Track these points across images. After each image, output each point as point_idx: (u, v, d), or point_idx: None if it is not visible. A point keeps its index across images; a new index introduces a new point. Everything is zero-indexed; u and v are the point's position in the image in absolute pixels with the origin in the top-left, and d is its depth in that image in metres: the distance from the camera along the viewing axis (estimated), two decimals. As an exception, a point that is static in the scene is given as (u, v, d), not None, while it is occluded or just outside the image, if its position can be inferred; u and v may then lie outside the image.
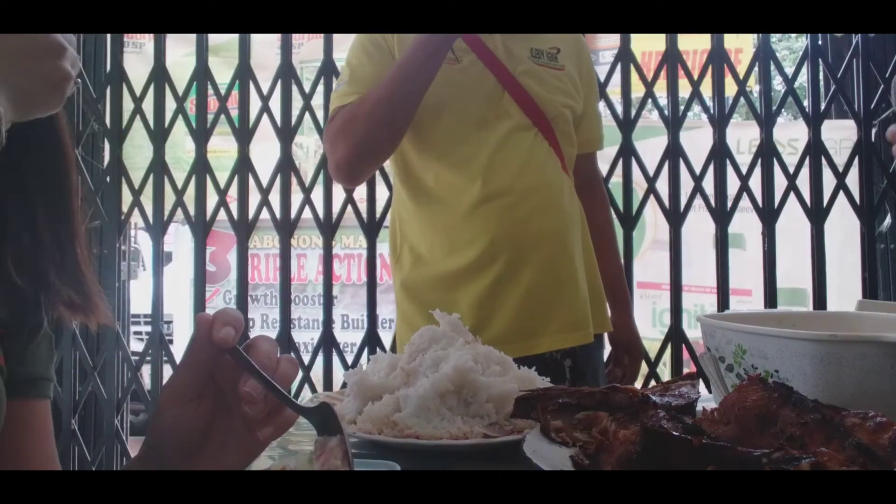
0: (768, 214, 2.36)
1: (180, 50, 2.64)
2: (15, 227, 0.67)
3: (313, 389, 2.37)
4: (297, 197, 2.37)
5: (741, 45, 3.45)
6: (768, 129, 2.38)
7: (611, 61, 2.43)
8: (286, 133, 2.36)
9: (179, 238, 4.27)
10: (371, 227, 2.35)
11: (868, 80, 2.40)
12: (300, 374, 2.37)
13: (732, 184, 2.36)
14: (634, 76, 2.38)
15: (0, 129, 0.56)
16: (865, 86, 2.40)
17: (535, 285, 1.38)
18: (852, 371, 0.75)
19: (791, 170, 2.35)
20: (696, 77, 2.40)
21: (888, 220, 2.40)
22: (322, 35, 2.46)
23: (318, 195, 2.36)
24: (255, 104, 2.37)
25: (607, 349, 1.65)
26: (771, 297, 2.35)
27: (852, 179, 2.38)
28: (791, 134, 3.02)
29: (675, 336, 2.36)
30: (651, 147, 2.50)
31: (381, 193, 2.22)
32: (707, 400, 0.91)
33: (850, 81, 2.45)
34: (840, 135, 2.82)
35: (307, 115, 2.36)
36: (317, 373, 2.39)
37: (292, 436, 0.94)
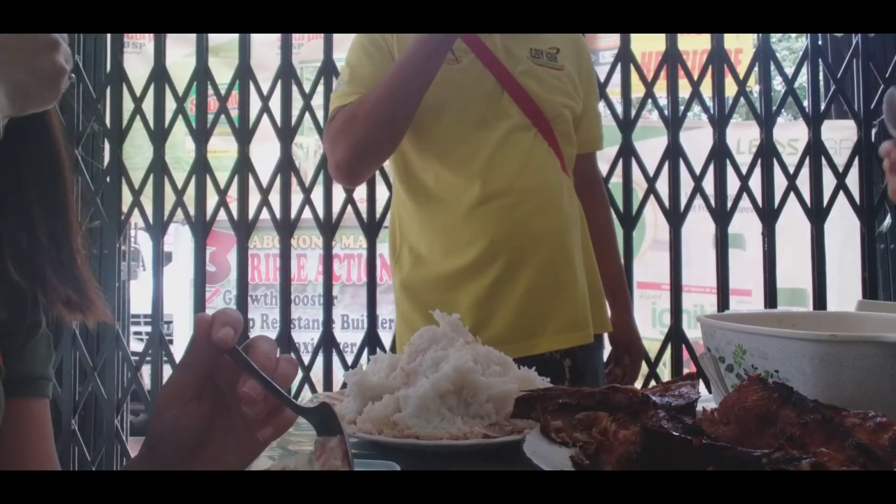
0: (768, 214, 2.36)
1: (180, 50, 2.64)
2: (11, 226, 0.67)
3: (313, 390, 2.37)
4: (297, 197, 2.37)
5: (741, 46, 3.45)
6: (768, 130, 2.38)
7: (611, 61, 2.43)
8: (286, 133, 2.37)
9: (179, 238, 4.27)
10: (371, 228, 2.35)
11: (868, 80, 2.40)
12: (300, 375, 2.37)
13: (732, 184, 2.36)
14: (634, 76, 2.38)
15: None
16: (865, 86, 2.40)
17: (534, 285, 1.38)
18: (852, 371, 0.75)
19: (791, 170, 2.35)
20: (696, 77, 2.40)
21: (888, 220, 2.40)
22: (322, 35, 2.46)
23: (318, 195, 2.36)
24: (255, 104, 2.37)
25: (607, 349, 1.65)
26: (771, 297, 2.36)
27: (852, 179, 2.38)
28: (791, 134, 3.02)
29: (675, 336, 2.36)
30: (651, 147, 2.50)
31: (381, 193, 2.22)
32: (707, 400, 0.91)
33: (850, 81, 2.45)
34: (840, 135, 2.82)
35: (307, 115, 2.36)
36: (317, 373, 2.39)
37: (292, 436, 0.94)
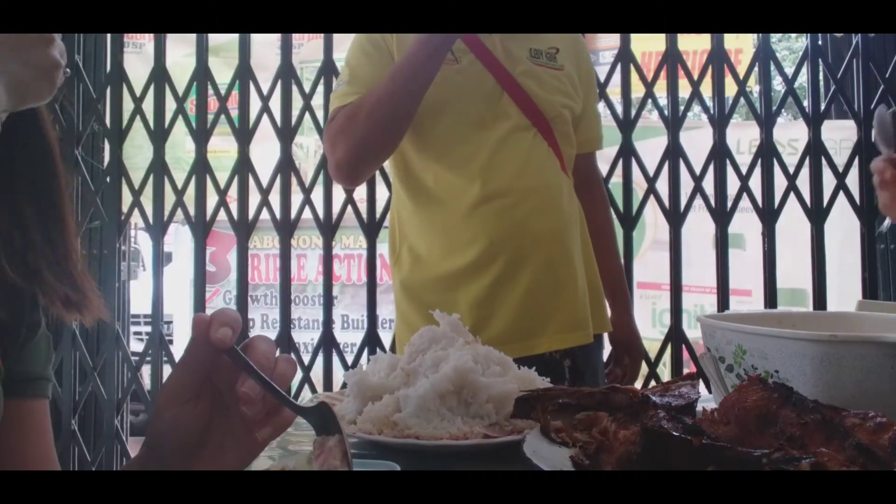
0: (768, 215, 2.36)
1: (180, 50, 2.64)
2: (4, 225, 0.67)
3: (313, 390, 2.37)
4: (297, 197, 2.37)
5: (741, 46, 3.45)
6: (768, 130, 2.38)
7: (611, 61, 2.43)
8: (286, 133, 2.37)
9: (179, 238, 4.27)
10: (371, 228, 2.35)
11: (868, 81, 2.40)
12: (300, 375, 2.37)
13: (732, 184, 2.36)
14: (634, 76, 2.38)
15: None
16: (865, 86, 2.40)
17: (534, 285, 1.38)
18: (852, 371, 0.75)
19: (791, 170, 2.35)
20: (696, 77, 2.40)
21: (888, 221, 2.40)
22: (322, 35, 2.46)
23: (318, 195, 2.36)
24: (255, 104, 2.37)
25: (607, 349, 1.65)
26: (771, 297, 2.35)
27: (852, 180, 2.38)
28: (791, 134, 3.02)
29: (675, 336, 2.36)
30: (651, 147, 2.50)
31: (381, 194, 2.22)
32: (707, 400, 0.91)
33: (850, 82, 2.45)
34: (840, 135, 2.82)
35: (307, 115, 2.36)
36: (317, 373, 2.39)
37: (292, 436, 0.94)
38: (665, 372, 2.41)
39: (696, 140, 2.50)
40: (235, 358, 0.59)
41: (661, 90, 2.46)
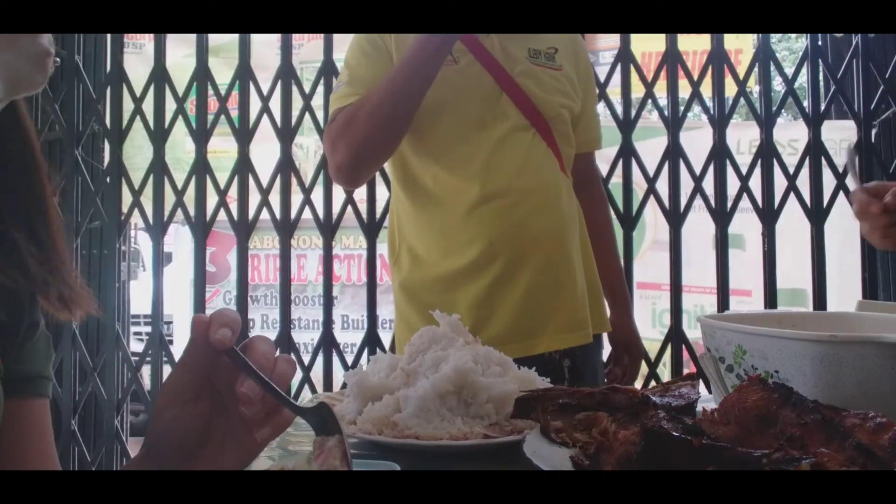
0: (768, 215, 2.36)
1: (180, 51, 2.64)
2: None
3: (313, 390, 2.37)
4: (297, 197, 2.37)
5: (741, 46, 3.45)
6: (768, 130, 2.38)
7: (611, 62, 2.44)
8: (286, 133, 2.37)
9: (179, 238, 4.27)
10: (371, 228, 2.35)
11: (868, 81, 2.40)
12: (300, 375, 2.38)
13: (732, 184, 2.36)
14: (634, 77, 2.38)
15: None
16: (865, 86, 2.40)
17: (533, 286, 1.38)
18: (852, 371, 0.75)
19: (791, 170, 2.35)
20: (696, 77, 2.40)
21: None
22: (322, 35, 2.46)
23: (318, 196, 2.37)
24: (255, 105, 2.37)
25: (606, 349, 1.65)
26: (771, 297, 2.35)
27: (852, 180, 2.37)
28: (791, 134, 3.02)
29: (675, 336, 2.36)
30: (651, 147, 2.50)
31: (381, 194, 2.22)
32: (707, 400, 0.91)
33: (850, 82, 2.45)
34: (840, 135, 2.83)
35: (307, 115, 2.36)
36: (317, 373, 2.39)
37: (291, 436, 0.94)
38: (665, 372, 2.41)
39: (696, 140, 2.50)
40: (235, 358, 0.59)
41: (661, 90, 2.46)
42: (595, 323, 1.48)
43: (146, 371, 2.43)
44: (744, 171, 2.35)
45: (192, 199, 2.39)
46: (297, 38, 2.85)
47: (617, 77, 2.39)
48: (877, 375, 0.74)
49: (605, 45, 3.60)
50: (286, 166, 2.36)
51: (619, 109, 2.37)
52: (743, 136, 3.11)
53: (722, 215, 2.35)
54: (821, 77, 2.43)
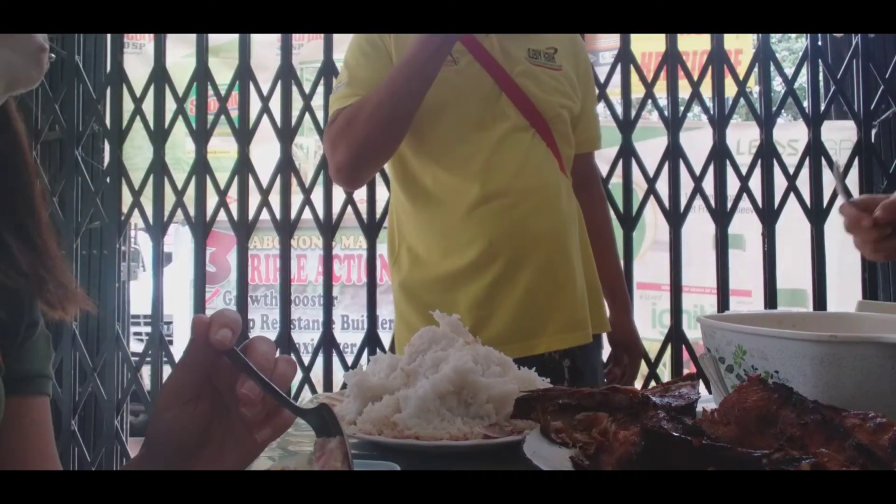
0: (768, 215, 2.36)
1: (180, 51, 2.64)
2: None
3: (313, 390, 2.37)
4: (297, 198, 2.37)
5: (741, 46, 3.45)
6: (768, 130, 2.38)
7: (611, 62, 2.44)
8: (286, 134, 2.37)
9: (179, 239, 4.27)
10: (371, 228, 2.35)
11: (868, 81, 2.40)
12: (300, 375, 2.38)
13: (732, 184, 2.36)
14: (634, 77, 2.38)
15: None
16: (865, 86, 2.40)
17: (533, 286, 1.38)
18: (852, 372, 0.75)
19: (791, 170, 2.35)
20: (695, 78, 2.40)
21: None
22: (322, 36, 2.46)
23: (318, 196, 2.37)
24: (255, 105, 2.37)
25: (606, 349, 1.65)
26: (771, 297, 2.36)
27: (852, 180, 2.38)
28: (791, 135, 3.02)
29: (675, 337, 2.36)
30: (651, 148, 2.50)
31: (381, 194, 2.22)
32: (707, 401, 0.91)
33: (850, 82, 2.45)
34: (840, 135, 2.82)
35: (307, 115, 2.36)
36: (317, 374, 2.39)
37: (292, 436, 0.94)
38: (665, 372, 2.41)
39: (696, 140, 2.50)
40: (235, 359, 0.59)
41: (661, 91, 2.46)
42: (595, 323, 1.48)
43: (146, 371, 2.43)
44: (744, 171, 2.35)
45: (192, 199, 2.39)
46: (297, 38, 2.85)
47: (617, 77, 2.39)
48: (877, 375, 0.74)
49: (605, 45, 3.60)
50: (286, 166, 2.36)
51: (619, 109, 2.37)
52: (743, 137, 3.12)
53: (722, 215, 2.35)
54: (821, 77, 2.43)
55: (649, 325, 3.42)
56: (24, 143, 0.70)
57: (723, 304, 2.35)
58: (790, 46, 9.39)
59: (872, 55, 2.40)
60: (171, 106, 2.39)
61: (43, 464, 0.74)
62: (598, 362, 1.59)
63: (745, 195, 2.35)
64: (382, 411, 0.92)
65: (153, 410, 0.62)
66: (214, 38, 2.47)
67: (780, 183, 2.35)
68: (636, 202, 2.36)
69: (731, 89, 2.42)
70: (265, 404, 0.59)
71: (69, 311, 0.71)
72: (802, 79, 2.45)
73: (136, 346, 2.84)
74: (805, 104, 2.41)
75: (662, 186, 2.35)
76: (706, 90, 2.44)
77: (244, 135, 2.36)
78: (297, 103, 2.38)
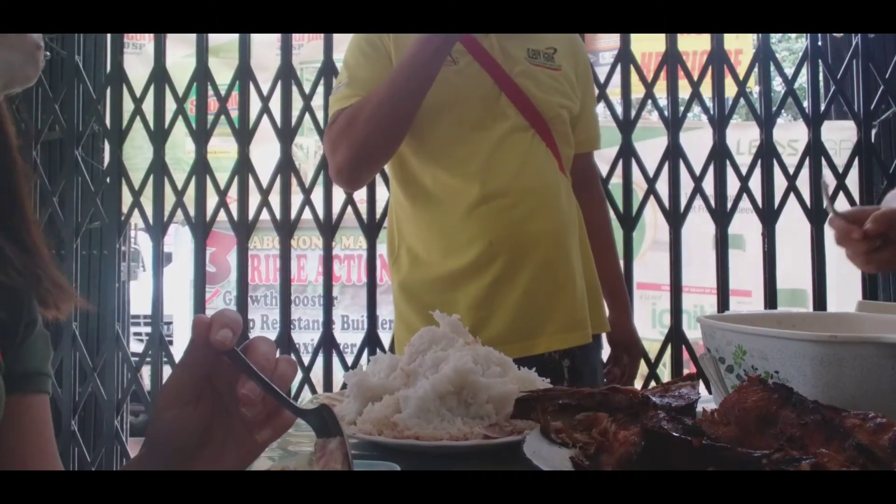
0: (768, 215, 2.36)
1: (180, 51, 2.64)
2: None
3: (313, 390, 2.37)
4: (297, 198, 2.37)
5: (741, 46, 3.46)
6: (768, 130, 2.38)
7: (611, 62, 2.44)
8: (286, 134, 2.37)
9: (179, 239, 4.27)
10: (371, 228, 2.35)
11: (868, 81, 2.40)
12: (300, 375, 2.37)
13: (732, 184, 2.36)
14: (634, 77, 2.38)
15: None
16: (865, 87, 2.40)
17: (533, 286, 1.38)
18: (852, 372, 0.75)
19: (791, 170, 2.35)
20: (695, 78, 2.40)
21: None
22: (322, 36, 2.46)
23: (318, 196, 2.37)
24: (255, 105, 2.37)
25: (606, 349, 1.65)
26: (771, 297, 2.36)
27: (852, 180, 2.38)
28: (791, 135, 3.02)
29: (675, 337, 2.36)
30: (651, 148, 2.50)
31: (381, 194, 2.22)
32: (707, 401, 0.91)
33: (850, 82, 2.45)
34: (840, 136, 2.83)
35: (307, 115, 2.36)
36: (317, 374, 2.39)
37: (292, 437, 0.94)
38: (665, 372, 2.41)
39: (696, 140, 2.51)
40: (236, 359, 0.59)
41: (660, 91, 2.46)
42: (594, 323, 1.48)
43: (146, 371, 2.43)
44: (744, 171, 2.36)
45: (192, 199, 2.39)
46: (297, 38, 2.85)
47: (617, 77, 2.40)
48: (877, 375, 0.74)
49: (605, 45, 3.60)
50: (286, 166, 2.36)
51: (619, 110, 2.37)
52: (743, 137, 3.12)
53: (722, 215, 2.35)
54: (821, 77, 2.43)
55: (649, 325, 3.42)
56: (13, 144, 0.70)
57: (723, 304, 2.35)
58: (790, 46, 9.39)
59: (872, 55, 2.41)
60: (171, 106, 2.39)
61: (43, 462, 0.74)
62: (598, 362, 1.59)
63: (745, 195, 2.35)
64: (382, 411, 0.92)
65: (153, 411, 0.62)
66: (214, 38, 2.47)
67: (780, 183, 2.35)
68: (636, 202, 2.36)
69: (731, 89, 2.42)
70: (265, 405, 0.59)
71: (63, 310, 0.71)
72: (802, 79, 2.45)
73: (136, 347, 2.84)
74: (805, 104, 2.41)
75: (662, 186, 2.35)
76: (706, 90, 2.44)
77: (244, 135, 2.36)
78: (297, 103, 2.38)
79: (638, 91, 2.48)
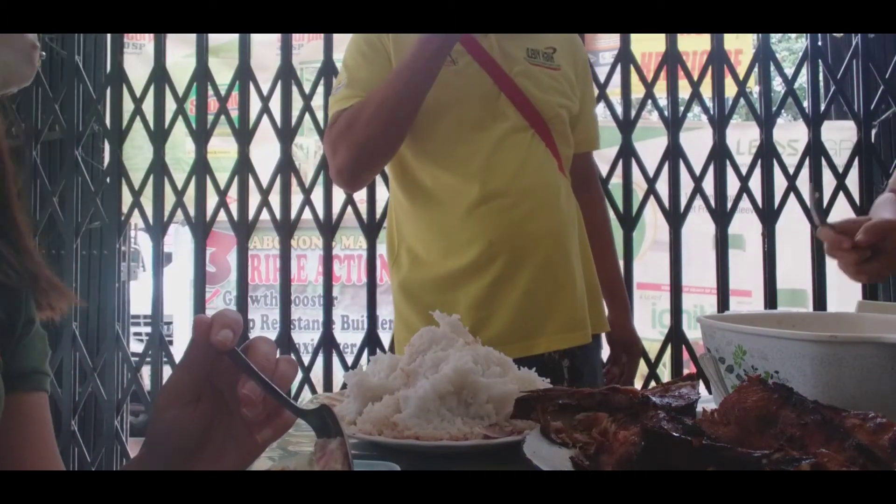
0: (768, 215, 2.36)
1: (180, 51, 2.64)
2: None
3: (313, 390, 2.37)
4: (297, 198, 2.37)
5: (741, 46, 3.45)
6: (768, 130, 2.38)
7: (611, 62, 2.44)
8: (286, 134, 2.37)
9: (179, 239, 4.27)
10: (371, 228, 2.35)
11: (868, 81, 2.40)
12: (300, 376, 2.37)
13: (732, 184, 2.36)
14: (634, 77, 2.38)
15: None
16: (865, 87, 2.40)
17: (533, 286, 1.38)
18: (852, 372, 0.75)
19: (791, 170, 2.35)
20: (695, 78, 2.40)
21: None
22: (322, 36, 2.46)
23: (318, 196, 2.37)
24: (255, 105, 2.37)
25: (605, 349, 1.65)
26: (771, 297, 2.36)
27: (852, 180, 2.38)
28: (791, 135, 3.02)
29: (675, 337, 2.36)
30: (651, 148, 2.50)
31: (381, 194, 2.22)
32: (707, 401, 0.91)
33: (850, 82, 2.45)
34: (840, 136, 2.83)
35: (307, 115, 2.36)
36: (317, 374, 2.39)
37: (292, 437, 0.94)
38: (665, 372, 2.41)
39: (696, 140, 2.51)
40: (236, 360, 0.59)
41: (660, 91, 2.46)
42: (594, 323, 1.48)
43: (146, 371, 2.43)
44: (744, 171, 2.36)
45: (192, 199, 2.39)
46: (297, 39, 2.85)
47: (617, 77, 2.40)
48: (877, 375, 0.74)
49: (605, 45, 3.60)
50: (286, 166, 2.36)
51: (618, 110, 2.38)
52: (743, 137, 3.12)
53: (722, 215, 2.35)
54: (821, 77, 2.43)
55: (649, 325, 3.42)
56: (2, 145, 0.70)
57: (723, 304, 2.35)
58: (790, 46, 9.39)
59: (872, 55, 2.41)
60: (171, 106, 2.39)
61: (43, 460, 0.74)
62: (598, 362, 1.59)
63: (745, 195, 2.35)
64: (382, 411, 0.92)
65: (153, 411, 0.62)
66: (214, 38, 2.47)
67: (780, 183, 2.35)
68: (636, 202, 2.36)
69: (731, 89, 2.42)
70: (266, 405, 0.59)
71: (58, 310, 0.71)
72: (802, 79, 2.45)
73: (136, 347, 2.84)
74: (805, 104, 2.41)
75: (662, 186, 2.35)
76: (706, 90, 2.44)
77: (244, 135, 2.36)
78: (297, 103, 2.38)
79: (638, 91, 2.48)
